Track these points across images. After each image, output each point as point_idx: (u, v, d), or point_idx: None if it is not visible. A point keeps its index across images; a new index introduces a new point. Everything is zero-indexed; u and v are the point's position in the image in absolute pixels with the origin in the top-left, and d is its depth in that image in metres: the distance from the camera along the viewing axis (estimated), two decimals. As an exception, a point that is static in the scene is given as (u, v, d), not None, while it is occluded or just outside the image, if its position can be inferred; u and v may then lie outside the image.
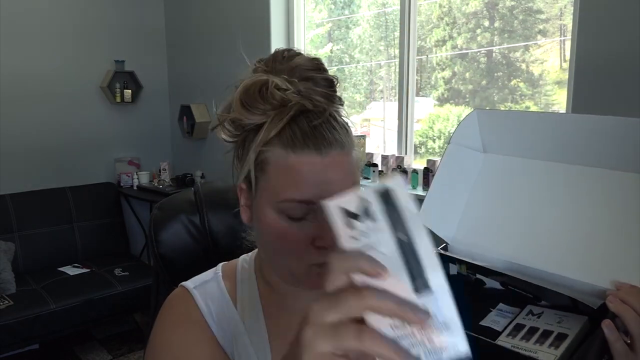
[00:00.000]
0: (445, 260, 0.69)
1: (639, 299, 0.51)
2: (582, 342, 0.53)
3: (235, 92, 0.62)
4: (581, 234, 0.60)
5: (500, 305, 0.62)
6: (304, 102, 0.60)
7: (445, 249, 0.71)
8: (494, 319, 0.59)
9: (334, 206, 0.36)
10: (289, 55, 0.64)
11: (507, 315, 0.60)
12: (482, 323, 0.59)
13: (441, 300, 0.34)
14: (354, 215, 0.35)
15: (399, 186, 0.34)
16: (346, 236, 0.35)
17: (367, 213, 0.35)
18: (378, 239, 0.34)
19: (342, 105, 0.66)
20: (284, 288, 0.70)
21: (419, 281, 0.34)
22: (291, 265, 0.62)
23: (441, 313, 0.33)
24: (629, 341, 0.51)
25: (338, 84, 0.65)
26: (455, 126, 0.68)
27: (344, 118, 0.65)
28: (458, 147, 0.70)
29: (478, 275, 0.67)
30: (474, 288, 0.67)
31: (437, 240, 0.72)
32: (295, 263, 0.61)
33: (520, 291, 0.62)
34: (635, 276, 0.55)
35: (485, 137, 0.69)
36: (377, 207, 0.34)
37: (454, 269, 0.70)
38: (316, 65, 0.64)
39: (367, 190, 0.35)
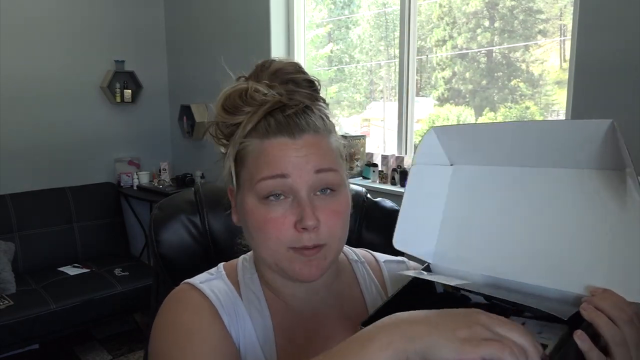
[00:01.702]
0: (429, 281, 0.68)
1: (611, 304, 0.50)
2: (558, 351, 0.52)
3: (215, 104, 0.66)
4: (553, 238, 0.60)
5: None
6: (281, 98, 0.63)
7: (428, 268, 0.70)
8: None
9: None
10: (268, 64, 0.67)
11: None
12: None
13: None
14: None
15: None
16: None
17: None
18: None
19: (326, 107, 0.68)
20: (280, 286, 0.70)
21: None
22: (275, 252, 0.63)
23: None
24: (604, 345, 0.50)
25: (320, 86, 0.68)
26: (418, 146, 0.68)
27: (325, 111, 0.67)
28: (423, 167, 0.69)
29: (462, 292, 0.66)
30: (461, 304, 0.66)
31: (418, 261, 0.71)
32: (277, 249, 0.62)
33: (503, 303, 0.61)
34: (610, 279, 0.54)
35: (449, 151, 0.69)
36: None
37: (439, 287, 0.69)
38: (296, 68, 0.67)
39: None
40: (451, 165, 0.71)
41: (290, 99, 0.63)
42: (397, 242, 0.69)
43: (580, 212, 0.58)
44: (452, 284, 0.62)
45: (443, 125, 0.69)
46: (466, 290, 0.65)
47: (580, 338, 0.49)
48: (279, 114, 0.62)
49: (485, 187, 0.67)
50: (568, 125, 0.58)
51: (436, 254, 0.70)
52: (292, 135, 0.61)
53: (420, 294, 0.68)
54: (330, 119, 0.68)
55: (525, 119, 2.28)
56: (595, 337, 0.50)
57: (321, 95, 0.69)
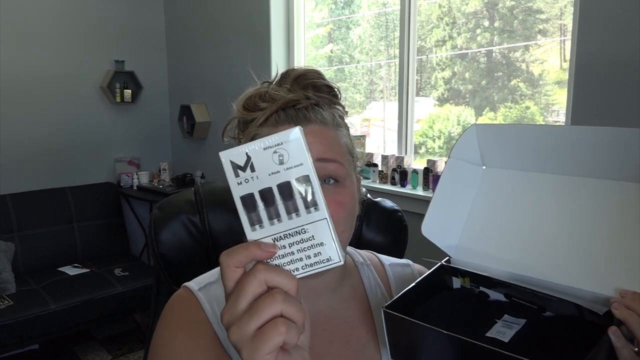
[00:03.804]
0: (449, 273, 0.69)
1: None
2: (589, 350, 0.52)
3: (236, 103, 0.67)
4: (584, 243, 0.61)
5: (506, 317, 0.61)
6: (297, 96, 0.64)
7: (449, 261, 0.71)
8: (499, 330, 0.59)
9: (224, 157, 0.42)
10: (291, 71, 0.69)
11: (513, 326, 0.59)
12: (488, 334, 0.58)
13: (319, 225, 0.42)
14: (239, 167, 0.42)
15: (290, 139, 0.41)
16: (234, 182, 0.42)
17: (248, 165, 0.42)
18: (257, 184, 0.42)
19: (344, 113, 0.69)
20: None
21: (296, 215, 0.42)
22: None
23: (318, 235, 0.42)
24: (636, 349, 0.51)
25: (340, 92, 0.69)
26: (454, 131, 0.69)
27: (340, 114, 0.68)
28: (458, 161, 0.71)
29: (482, 288, 0.66)
30: (478, 300, 0.67)
31: (440, 253, 0.72)
32: None
33: (525, 302, 0.62)
34: (639, 284, 0.55)
35: (484, 151, 0.70)
36: (256, 160, 0.42)
37: (457, 282, 0.69)
38: (316, 74, 0.68)
39: (254, 144, 0.41)
40: (483, 166, 0.73)
41: (307, 99, 0.64)
42: (425, 229, 0.70)
43: (614, 221, 0.60)
44: (482, 274, 0.63)
45: (486, 123, 0.70)
46: (485, 287, 0.65)
47: (615, 334, 0.49)
48: (291, 109, 0.64)
49: (516, 191, 0.68)
50: (619, 133, 0.58)
51: (458, 248, 0.71)
52: (297, 124, 0.62)
53: (436, 289, 0.68)
54: (345, 121, 0.69)
55: (525, 119, 2.28)
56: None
57: (340, 101, 0.70)
